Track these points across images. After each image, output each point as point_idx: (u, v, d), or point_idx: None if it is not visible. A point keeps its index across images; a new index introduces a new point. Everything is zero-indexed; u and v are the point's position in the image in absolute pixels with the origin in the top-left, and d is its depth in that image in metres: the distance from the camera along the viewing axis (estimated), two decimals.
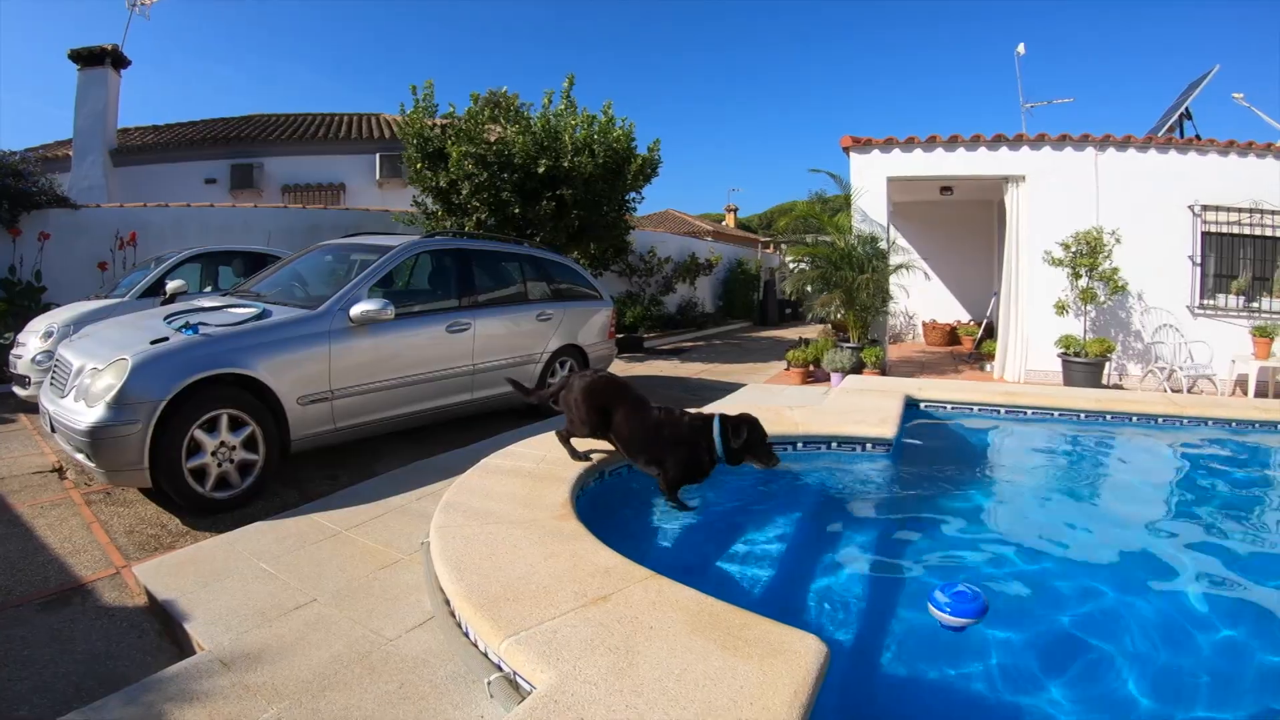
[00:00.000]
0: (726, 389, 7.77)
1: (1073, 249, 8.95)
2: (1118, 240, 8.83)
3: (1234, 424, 5.81)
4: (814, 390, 7.74)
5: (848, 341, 9.11)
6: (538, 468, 3.48)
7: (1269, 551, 3.81)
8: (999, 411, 6.20)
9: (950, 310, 14.68)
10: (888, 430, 4.77)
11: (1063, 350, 8.77)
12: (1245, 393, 8.71)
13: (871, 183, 9.85)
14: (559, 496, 3.03)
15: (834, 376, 8.24)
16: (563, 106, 10.77)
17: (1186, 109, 11.48)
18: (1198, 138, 9.90)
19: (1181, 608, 3.04)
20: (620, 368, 10.73)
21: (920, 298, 14.24)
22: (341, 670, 2.27)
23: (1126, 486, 5.10)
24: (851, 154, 9.99)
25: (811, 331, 11.27)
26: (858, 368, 8.52)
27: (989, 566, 3.45)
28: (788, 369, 9.12)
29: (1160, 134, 10.34)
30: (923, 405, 6.23)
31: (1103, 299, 9.02)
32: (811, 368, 8.97)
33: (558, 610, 2.06)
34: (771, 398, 6.93)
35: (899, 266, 9.36)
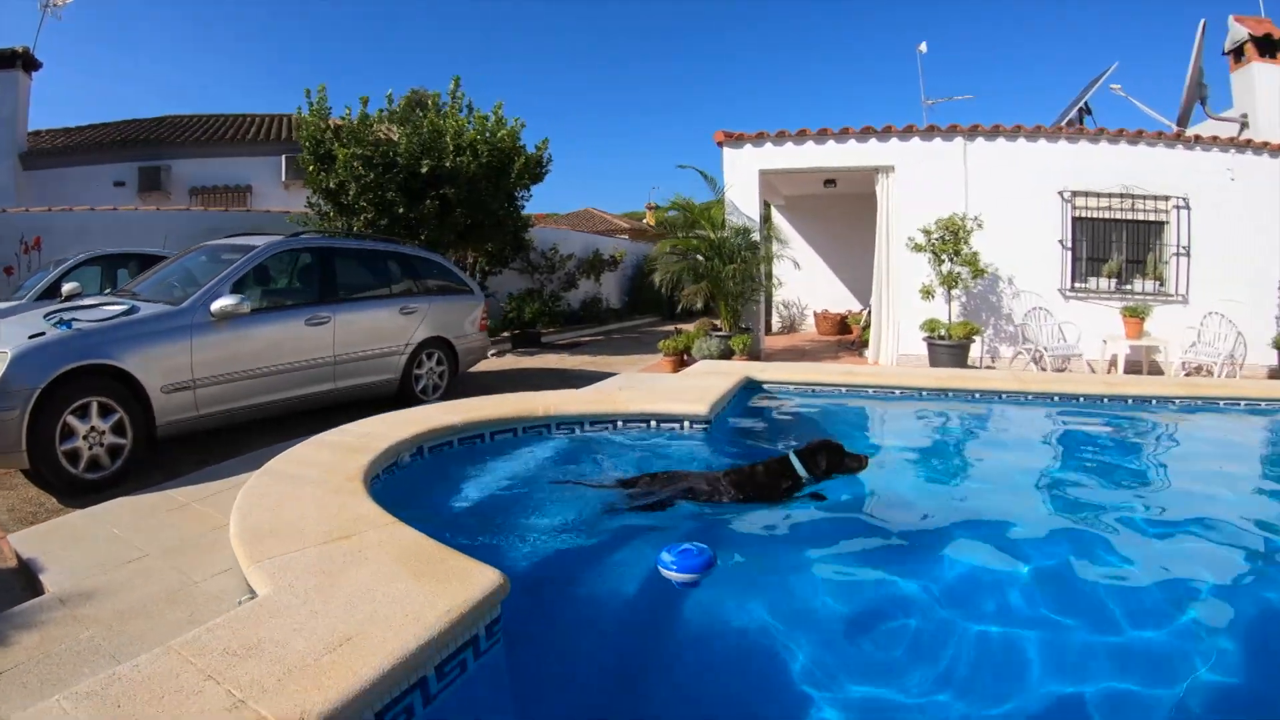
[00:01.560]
0: (598, 377, 8.22)
1: (934, 235, 9.33)
2: (979, 225, 9.22)
3: (1081, 399, 6.26)
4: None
5: (720, 331, 9.81)
6: (359, 441, 4.04)
7: (1082, 517, 3.99)
8: (840, 391, 6.70)
9: (842, 300, 15.16)
10: (702, 408, 5.23)
11: (928, 334, 9.21)
12: (1117, 370, 9.26)
13: (743, 176, 10.31)
14: (359, 464, 3.61)
15: (703, 363, 8.86)
16: (450, 107, 11.20)
17: (1085, 104, 12.04)
18: (1070, 126, 10.61)
19: (957, 578, 3.24)
20: (511, 362, 11.25)
21: (813, 288, 14.64)
22: (150, 604, 2.92)
23: (949, 458, 5.52)
24: (724, 148, 10.43)
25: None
26: (727, 355, 9.12)
27: (777, 530, 3.76)
28: (662, 359, 9.58)
29: (1063, 127, 10.74)
30: (765, 386, 6.71)
31: (970, 283, 9.43)
32: (684, 356, 9.41)
33: (304, 544, 2.64)
34: (634, 384, 7.48)
35: (767, 257, 9.98)
